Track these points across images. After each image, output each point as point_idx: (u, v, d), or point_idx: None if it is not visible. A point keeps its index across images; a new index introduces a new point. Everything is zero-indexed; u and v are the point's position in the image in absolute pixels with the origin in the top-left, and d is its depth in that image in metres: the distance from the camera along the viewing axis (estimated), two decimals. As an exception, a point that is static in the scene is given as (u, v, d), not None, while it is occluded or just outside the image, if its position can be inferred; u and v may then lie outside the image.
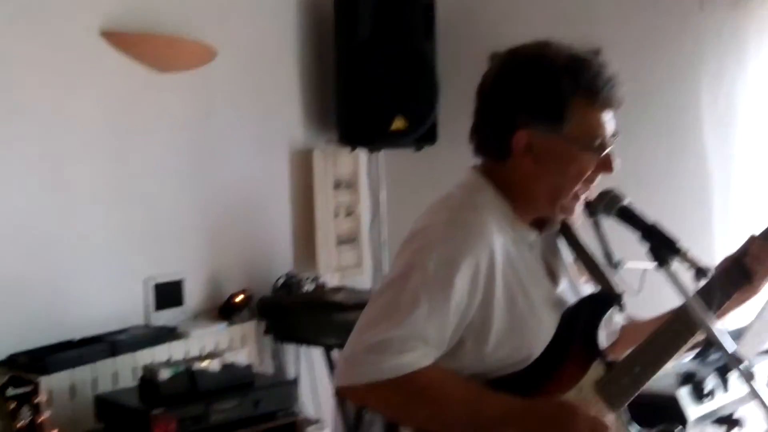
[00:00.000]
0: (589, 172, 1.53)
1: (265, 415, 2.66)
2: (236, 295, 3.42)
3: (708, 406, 2.34)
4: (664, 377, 2.23)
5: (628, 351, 1.59)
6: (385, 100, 3.92)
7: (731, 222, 3.45)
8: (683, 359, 2.49)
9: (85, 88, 3.01)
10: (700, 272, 1.42)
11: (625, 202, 1.53)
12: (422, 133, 3.97)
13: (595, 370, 1.55)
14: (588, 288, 1.67)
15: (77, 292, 2.95)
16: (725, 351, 1.40)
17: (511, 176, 1.57)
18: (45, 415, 2.15)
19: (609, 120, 1.54)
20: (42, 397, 2.16)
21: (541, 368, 1.54)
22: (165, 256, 3.31)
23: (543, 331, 1.57)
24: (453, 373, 1.52)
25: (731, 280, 1.58)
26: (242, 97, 3.75)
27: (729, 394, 2.40)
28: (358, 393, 1.51)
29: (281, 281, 3.64)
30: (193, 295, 3.41)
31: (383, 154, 4.24)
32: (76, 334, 2.86)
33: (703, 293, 1.49)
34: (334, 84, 4.08)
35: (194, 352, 3.06)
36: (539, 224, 1.63)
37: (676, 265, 1.51)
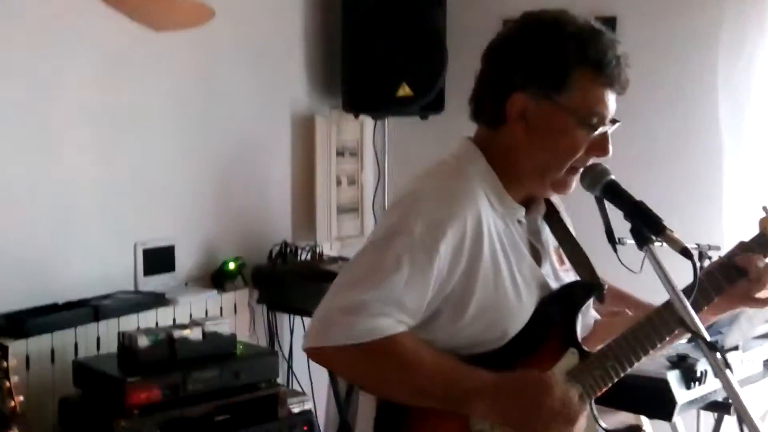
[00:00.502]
0: (581, 151, 1.47)
1: (246, 386, 2.61)
2: (229, 262, 3.36)
3: (699, 391, 2.30)
4: (655, 359, 2.20)
5: (605, 343, 1.54)
6: (392, 66, 3.80)
7: (742, 198, 3.34)
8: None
9: (74, 45, 2.91)
10: (684, 253, 1.34)
11: (611, 177, 1.46)
12: (429, 101, 3.86)
13: (569, 359, 1.51)
14: (568, 276, 1.62)
15: (63, 254, 2.89)
16: (705, 341, 1.34)
17: (503, 146, 1.51)
18: (14, 380, 2.11)
19: (611, 100, 1.48)
20: (12, 362, 2.12)
21: (513, 350, 1.50)
22: (156, 220, 3.24)
23: (522, 310, 1.52)
24: (427, 344, 1.47)
25: (725, 274, 1.55)
26: (243, 59, 3.65)
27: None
28: (327, 354, 1.45)
29: (277, 249, 3.56)
30: (185, 262, 3.34)
31: (388, 122, 4.14)
32: (61, 298, 2.81)
33: (688, 288, 1.42)
34: (340, 48, 3.97)
35: (182, 319, 2.99)
36: (528, 204, 1.58)
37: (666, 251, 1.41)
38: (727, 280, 1.56)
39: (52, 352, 2.63)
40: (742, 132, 3.39)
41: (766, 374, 2.59)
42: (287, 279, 3.43)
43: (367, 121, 4.18)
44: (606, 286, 1.60)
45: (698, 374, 2.28)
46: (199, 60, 3.45)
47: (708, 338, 1.33)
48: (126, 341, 2.51)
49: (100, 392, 2.49)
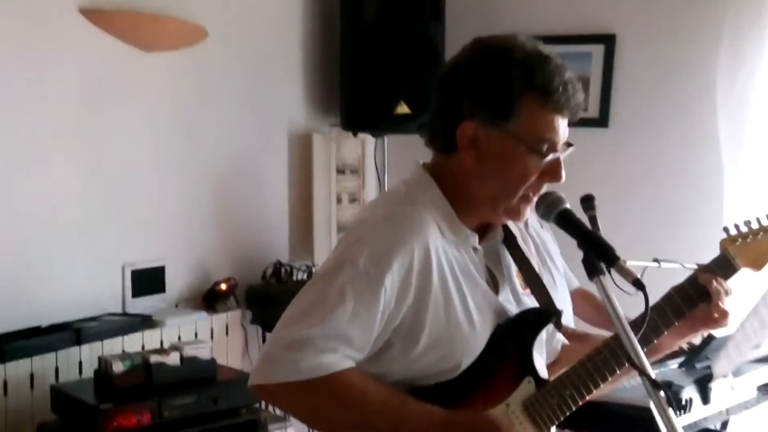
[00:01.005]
0: (532, 178, 1.44)
1: (225, 411, 2.57)
2: (220, 282, 3.33)
3: (684, 419, 2.23)
4: (637, 387, 2.14)
5: (561, 371, 1.52)
6: (390, 84, 3.78)
7: (743, 216, 3.22)
8: (667, 366, 2.39)
9: (63, 65, 2.92)
10: (636, 284, 1.30)
11: (565, 206, 1.44)
12: (426, 119, 3.81)
13: (525, 388, 1.48)
14: (531, 300, 1.58)
15: (48, 276, 2.88)
16: (648, 378, 1.28)
17: (455, 173, 1.48)
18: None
19: (561, 126, 1.46)
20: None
21: (469, 380, 1.46)
22: (146, 241, 3.23)
23: (476, 339, 1.48)
24: (374, 379, 1.44)
25: (685, 298, 1.53)
26: (239, 78, 3.64)
27: (709, 407, 2.30)
28: (272, 392, 1.43)
29: (271, 269, 3.53)
30: (176, 282, 3.32)
31: (388, 139, 4.10)
32: (45, 321, 2.80)
33: (638, 320, 1.37)
34: (339, 66, 3.95)
35: (172, 341, 2.97)
36: (484, 230, 1.55)
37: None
38: (687, 304, 1.53)
39: (32, 376, 2.62)
40: (742, 150, 3.34)
41: (761, 400, 2.50)
42: (281, 299, 3.35)
43: (368, 139, 4.14)
44: (561, 312, 1.55)
45: (683, 402, 2.22)
46: (192, 79, 3.43)
47: (652, 375, 1.28)
48: (102, 366, 2.49)
49: (76, 419, 2.47)
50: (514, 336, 1.50)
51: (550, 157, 1.43)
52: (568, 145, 1.47)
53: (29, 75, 2.82)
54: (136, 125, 3.21)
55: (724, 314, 1.54)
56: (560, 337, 1.67)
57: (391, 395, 1.43)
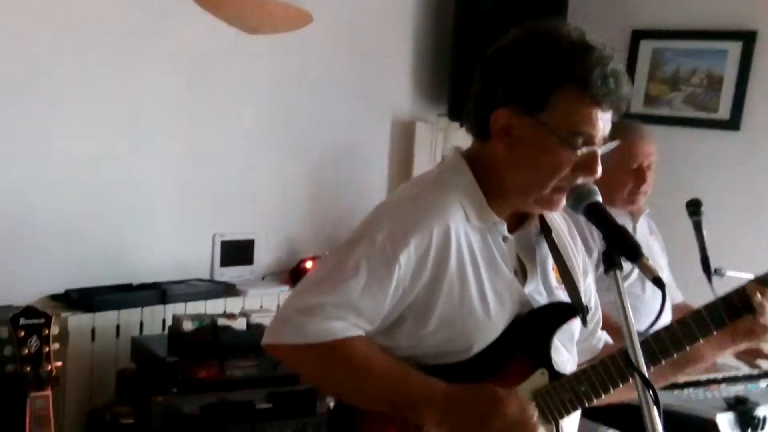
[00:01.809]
0: (564, 171, 1.41)
1: (284, 377, 2.67)
2: (306, 260, 3.46)
3: None
4: (710, 399, 2.17)
5: (582, 368, 1.50)
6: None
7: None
8: (756, 384, 2.33)
9: (167, 44, 3.12)
10: (656, 282, 1.27)
11: (595, 199, 1.40)
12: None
13: (538, 378, 1.47)
14: (563, 295, 1.56)
15: (144, 240, 3.11)
16: (641, 376, 1.24)
17: (489, 161, 1.48)
18: (54, 347, 2.30)
19: (601, 120, 1.40)
20: (53, 330, 2.32)
21: (480, 364, 1.47)
22: (238, 215, 3.40)
23: (491, 325, 1.47)
24: (381, 349, 1.47)
25: (729, 308, 1.47)
26: (343, 62, 3.74)
27: None
28: (281, 352, 1.49)
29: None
30: (265, 256, 3.49)
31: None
32: (138, 280, 3.04)
33: (656, 318, 1.33)
34: (450, 55, 3.97)
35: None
36: (520, 221, 1.54)
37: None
38: (730, 314, 1.47)
39: (117, 327, 2.84)
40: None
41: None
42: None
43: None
44: (588, 310, 1.53)
45: (757, 419, 2.14)
46: (294, 62, 3.57)
47: (646, 375, 1.23)
48: (175, 324, 2.67)
49: (149, 368, 2.66)
50: (533, 327, 1.49)
51: (585, 150, 1.39)
52: (612, 138, 1.44)
53: (136, 52, 3.04)
54: (237, 105, 3.38)
55: (765, 329, 1.48)
56: (602, 335, 1.65)
57: (395, 365, 1.45)
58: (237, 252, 3.35)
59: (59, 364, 2.30)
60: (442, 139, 4.12)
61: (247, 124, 3.43)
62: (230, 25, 3.30)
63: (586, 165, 1.40)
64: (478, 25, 3.78)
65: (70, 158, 2.89)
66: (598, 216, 1.38)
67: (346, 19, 3.71)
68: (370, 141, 3.96)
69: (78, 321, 2.72)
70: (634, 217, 2.66)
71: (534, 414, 1.42)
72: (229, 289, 3.17)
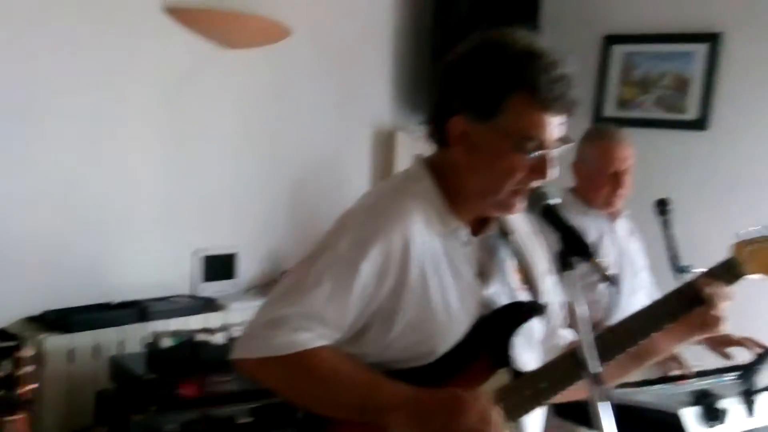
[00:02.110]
0: (519, 174, 1.44)
1: (265, 391, 2.61)
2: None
3: (720, 430, 2.17)
4: (676, 394, 2.22)
5: (541, 365, 1.52)
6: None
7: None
8: (722, 378, 2.34)
9: (144, 59, 3.10)
10: (607, 279, 1.36)
11: (551, 201, 1.43)
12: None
13: (499, 378, 1.48)
14: (525, 296, 1.58)
15: (122, 258, 3.08)
16: (587, 371, 1.28)
17: (449, 167, 1.50)
18: (27, 370, 2.27)
19: (552, 124, 1.43)
20: (26, 352, 2.29)
21: (444, 367, 1.48)
22: (220, 229, 3.38)
23: (453, 328, 1.49)
24: (347, 357, 1.47)
25: (682, 301, 1.51)
26: (323, 74, 3.73)
27: (755, 420, 2.23)
28: (249, 366, 1.48)
29: (342, 262, 3.58)
30: (248, 270, 3.45)
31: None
32: (117, 298, 3.00)
33: (634, 317, 1.43)
34: (429, 64, 3.96)
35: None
36: (482, 224, 1.56)
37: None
38: (682, 307, 1.50)
39: (95, 347, 2.79)
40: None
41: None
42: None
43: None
44: (547, 308, 1.55)
45: (719, 412, 2.16)
46: (274, 75, 3.56)
47: (592, 369, 1.27)
48: (153, 341, 2.63)
49: (127, 388, 2.61)
50: (494, 327, 1.50)
51: (537, 154, 1.42)
52: (565, 141, 1.45)
53: (112, 69, 3.01)
54: (216, 118, 3.36)
55: (715, 320, 1.51)
56: (567, 334, 1.66)
57: (361, 372, 1.46)
58: (219, 266, 3.32)
59: (34, 386, 2.26)
60: (423, 148, 4.09)
61: (226, 138, 3.41)
62: (207, 39, 3.29)
63: (540, 168, 1.43)
64: (455, 33, 3.78)
65: (45, 176, 2.86)
66: (552, 218, 1.41)
67: (324, 32, 3.70)
68: (352, 151, 3.94)
69: (55, 342, 2.68)
70: (614, 218, 2.70)
71: (497, 416, 1.40)
72: (211, 304, 3.13)
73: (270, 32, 3.50)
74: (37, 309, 2.81)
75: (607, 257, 2.62)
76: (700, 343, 2.69)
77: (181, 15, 3.21)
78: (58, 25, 2.84)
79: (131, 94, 3.09)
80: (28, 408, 2.24)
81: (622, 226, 2.72)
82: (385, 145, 4.03)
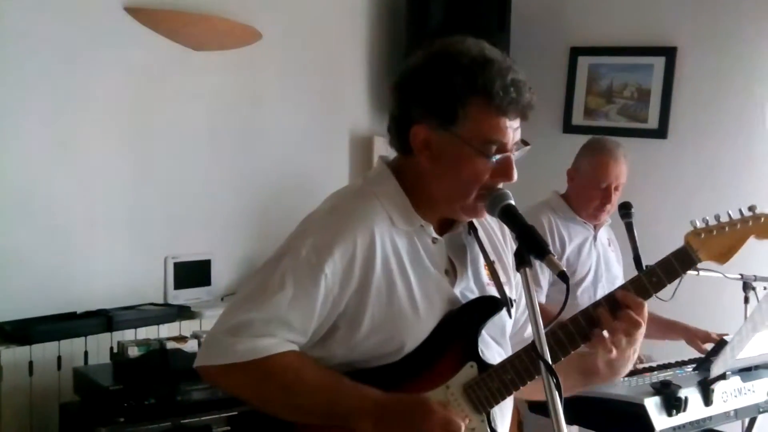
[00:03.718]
0: (483, 179, 1.43)
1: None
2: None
3: (681, 418, 2.20)
4: (640, 385, 2.25)
5: (507, 357, 1.50)
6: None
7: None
8: (682, 370, 2.46)
9: (108, 62, 2.91)
10: (561, 276, 1.32)
11: (508, 202, 1.43)
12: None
13: (467, 372, 1.47)
14: (494, 292, 1.56)
15: (87, 265, 2.86)
16: (543, 362, 1.29)
17: (414, 173, 1.49)
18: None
19: (510, 127, 1.43)
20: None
21: (412, 363, 1.46)
22: (192, 235, 3.17)
23: (421, 325, 1.47)
24: (312, 361, 1.44)
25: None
26: (297, 79, 3.57)
27: (713, 408, 2.27)
28: (212, 374, 1.43)
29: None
30: (223, 276, 3.25)
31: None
32: (84, 307, 2.78)
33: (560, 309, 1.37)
34: (404, 69, 3.82)
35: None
36: (449, 223, 1.55)
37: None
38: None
39: (59, 359, 2.58)
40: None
41: (775, 403, 2.41)
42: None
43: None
44: (512, 302, 1.54)
45: (679, 400, 2.19)
46: (245, 79, 3.38)
47: (549, 361, 1.28)
48: (119, 351, 2.41)
49: (92, 399, 2.40)
50: (460, 322, 1.48)
51: (498, 158, 1.41)
52: (525, 143, 1.45)
53: (75, 73, 2.83)
54: (184, 122, 3.17)
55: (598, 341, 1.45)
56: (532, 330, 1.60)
57: (327, 377, 1.42)
58: (192, 273, 3.12)
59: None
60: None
61: (196, 142, 3.22)
62: (173, 41, 3.11)
63: (503, 171, 1.42)
64: (428, 39, 3.67)
65: (6, 181, 2.66)
66: (510, 217, 1.41)
67: (298, 37, 3.55)
68: (329, 156, 3.77)
69: (13, 354, 2.47)
70: (597, 227, 2.76)
71: (461, 426, 1.38)
72: (183, 312, 2.93)
73: (240, 35, 3.34)
74: (-8, 320, 2.59)
75: (589, 262, 2.69)
76: (678, 338, 2.75)
77: (142, 15, 3.03)
78: (24, 27, 2.66)
79: (94, 94, 2.89)
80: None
81: (602, 235, 2.77)
82: (362, 150, 3.87)
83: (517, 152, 1.43)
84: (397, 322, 1.44)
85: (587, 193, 2.65)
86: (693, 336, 2.67)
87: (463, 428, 1.37)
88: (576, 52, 3.99)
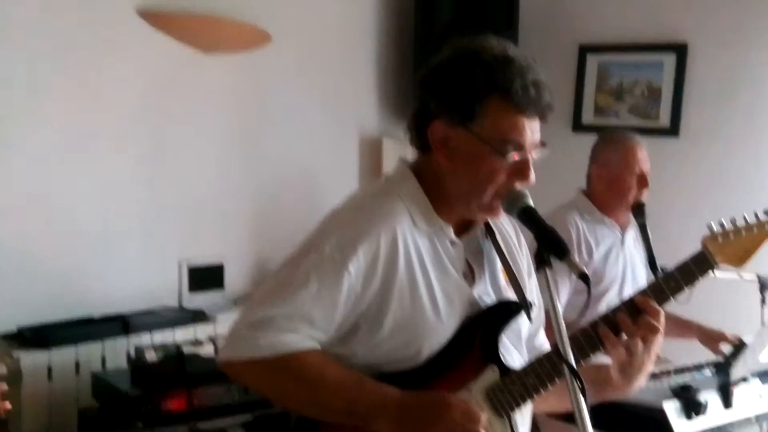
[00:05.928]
0: (500, 178, 1.41)
1: (258, 402, 2.40)
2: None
3: (701, 422, 2.17)
4: (659, 388, 2.22)
5: (528, 362, 1.49)
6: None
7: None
8: (701, 372, 2.38)
9: (120, 66, 2.88)
10: (582, 277, 1.30)
11: (527, 202, 1.41)
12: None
13: (489, 375, 1.46)
14: (512, 295, 1.55)
15: (103, 270, 2.83)
16: (568, 365, 1.25)
17: (432, 171, 1.48)
18: (1, 388, 2.03)
19: (529, 127, 1.41)
20: (-1, 371, 2.05)
21: (434, 367, 1.45)
22: (206, 239, 3.14)
23: (442, 327, 1.46)
24: (334, 360, 1.42)
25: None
26: (306, 81, 3.53)
27: (733, 413, 2.23)
28: (236, 369, 1.42)
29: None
30: (236, 280, 3.22)
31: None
32: (100, 312, 2.75)
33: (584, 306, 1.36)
34: (413, 70, 3.79)
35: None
36: (467, 225, 1.53)
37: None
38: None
39: (77, 364, 2.55)
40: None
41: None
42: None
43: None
44: (533, 307, 1.53)
45: (699, 405, 2.16)
46: (255, 82, 3.35)
47: (573, 365, 1.25)
48: (137, 356, 2.39)
49: (110, 404, 2.38)
50: (481, 326, 1.47)
51: (516, 158, 1.40)
52: (542, 144, 1.43)
53: (87, 77, 2.80)
54: (196, 125, 3.14)
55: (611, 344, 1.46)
56: (543, 340, 1.64)
57: (348, 376, 1.41)
58: (206, 277, 3.09)
59: (8, 406, 2.02)
60: (411, 154, 3.90)
61: (208, 146, 3.18)
62: (183, 44, 3.08)
63: (520, 171, 1.41)
64: (436, 39, 3.67)
65: (21, 185, 2.63)
66: (530, 219, 1.38)
67: (307, 39, 3.51)
68: (338, 159, 3.74)
69: (32, 359, 2.44)
70: (624, 229, 2.70)
71: (482, 418, 1.37)
72: (198, 316, 2.90)
73: (249, 38, 3.30)
74: (11, 326, 2.56)
75: (615, 270, 2.64)
76: (692, 337, 2.69)
77: (154, 18, 2.99)
78: (37, 30, 2.62)
79: (112, 101, 2.87)
80: (3, 429, 2.01)
81: (629, 236, 2.71)
82: (371, 151, 3.83)
83: (536, 153, 1.42)
84: (419, 324, 1.43)
85: (623, 184, 2.58)
86: (708, 336, 2.63)
87: (483, 419, 1.36)
88: (585, 50, 3.93)
